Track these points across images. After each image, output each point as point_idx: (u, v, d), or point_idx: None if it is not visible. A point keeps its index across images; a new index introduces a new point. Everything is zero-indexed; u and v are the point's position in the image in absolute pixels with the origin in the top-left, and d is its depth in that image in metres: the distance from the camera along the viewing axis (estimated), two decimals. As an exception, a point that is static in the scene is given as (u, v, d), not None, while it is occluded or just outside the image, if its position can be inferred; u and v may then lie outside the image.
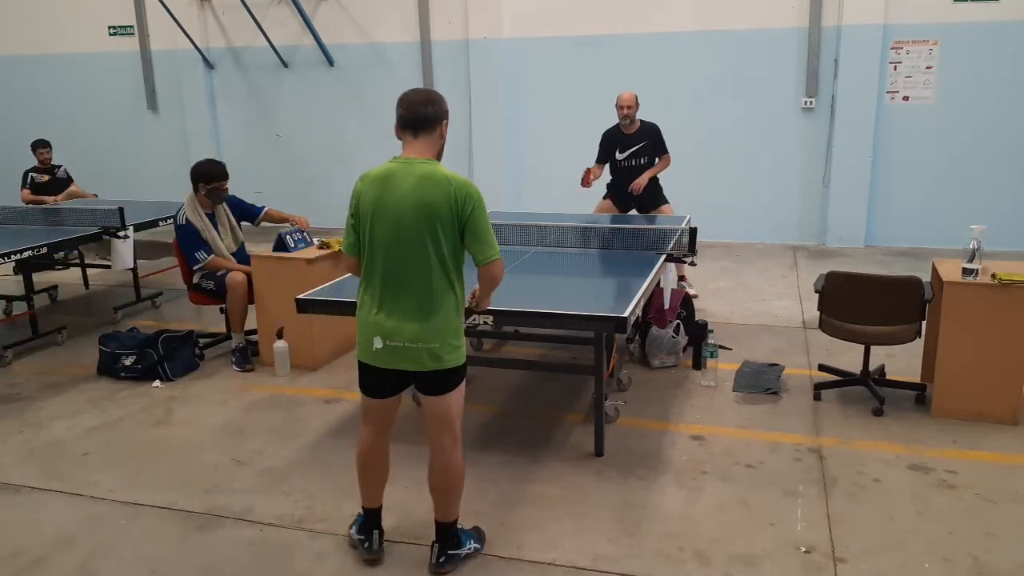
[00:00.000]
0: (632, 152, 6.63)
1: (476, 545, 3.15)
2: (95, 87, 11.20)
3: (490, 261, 2.81)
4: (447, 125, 2.89)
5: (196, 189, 5.34)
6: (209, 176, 5.31)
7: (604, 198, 6.88)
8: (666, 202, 6.71)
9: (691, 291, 6.70)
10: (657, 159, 6.68)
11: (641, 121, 6.63)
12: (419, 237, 2.73)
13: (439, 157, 2.88)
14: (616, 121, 6.66)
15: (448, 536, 3.06)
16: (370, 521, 3.13)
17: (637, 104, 6.56)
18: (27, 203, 8.26)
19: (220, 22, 10.50)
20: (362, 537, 3.12)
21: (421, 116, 2.80)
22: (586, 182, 6.67)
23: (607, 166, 6.80)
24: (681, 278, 6.79)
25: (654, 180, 6.67)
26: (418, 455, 3.97)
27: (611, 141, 6.72)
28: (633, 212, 6.78)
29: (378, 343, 2.81)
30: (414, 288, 2.77)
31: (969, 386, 4.19)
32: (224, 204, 5.49)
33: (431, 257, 2.75)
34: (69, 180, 8.64)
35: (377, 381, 2.93)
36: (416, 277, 2.76)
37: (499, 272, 2.88)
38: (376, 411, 3.01)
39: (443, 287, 2.79)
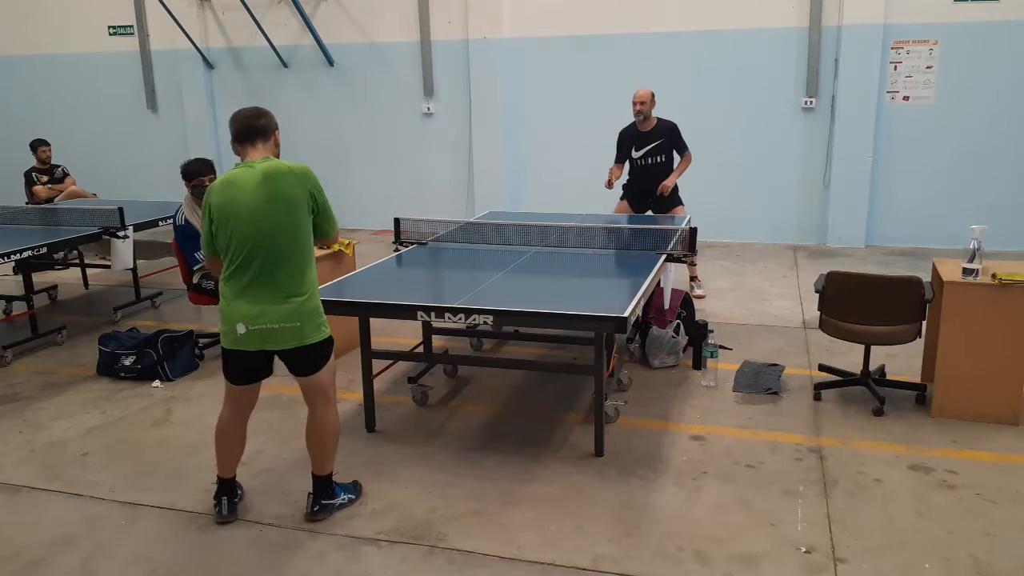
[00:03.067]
0: (648, 150, 6.57)
1: (351, 495, 3.50)
2: (95, 87, 11.20)
3: (333, 232, 3.31)
4: (279, 135, 3.26)
5: (188, 188, 5.36)
6: (189, 174, 5.30)
7: (621, 199, 6.84)
8: (681, 203, 6.67)
9: (699, 292, 6.71)
10: (678, 157, 6.62)
11: (658, 119, 6.56)
12: (277, 226, 3.03)
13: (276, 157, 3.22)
14: (631, 119, 6.61)
15: (322, 487, 3.39)
16: (222, 488, 3.42)
17: (653, 101, 6.48)
18: (45, 199, 8.28)
19: (220, 22, 10.50)
20: (215, 502, 3.41)
21: (256, 127, 3.14)
22: (609, 183, 6.63)
23: (624, 166, 6.77)
24: (693, 278, 6.79)
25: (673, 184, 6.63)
26: (418, 455, 3.99)
27: (627, 139, 6.67)
28: (648, 214, 6.75)
29: (241, 328, 3.08)
30: (274, 274, 3.05)
31: (969, 386, 4.19)
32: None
33: (290, 243, 3.06)
34: (65, 177, 8.66)
35: (239, 367, 3.23)
36: (276, 264, 3.05)
37: (337, 237, 3.44)
38: (237, 395, 3.31)
39: (302, 270, 3.11)
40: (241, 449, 3.43)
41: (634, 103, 6.46)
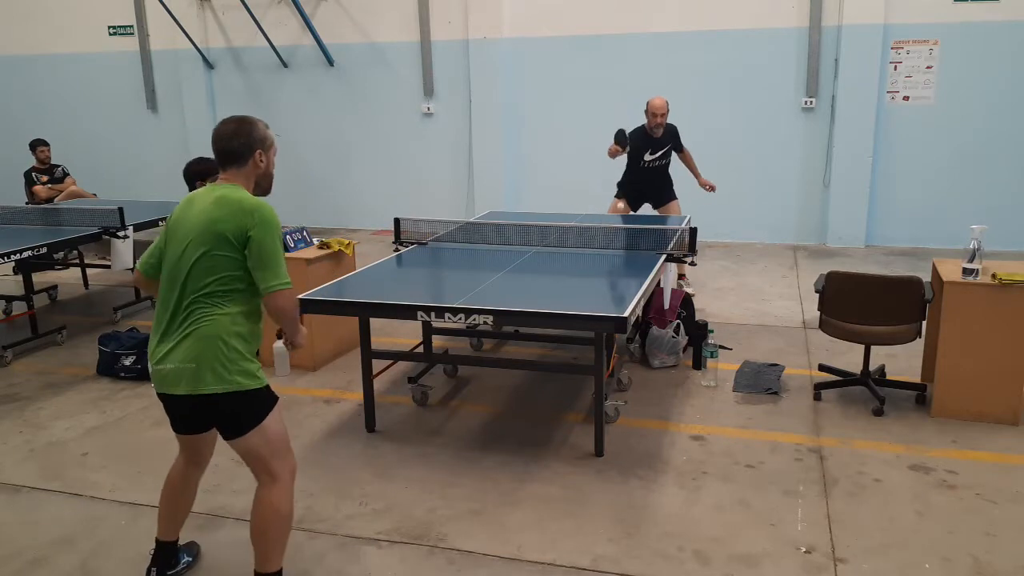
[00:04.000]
0: (659, 155, 6.78)
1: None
2: (95, 87, 11.20)
3: (272, 290, 2.59)
4: (264, 154, 2.77)
5: (191, 188, 5.35)
6: (203, 173, 5.31)
7: (617, 197, 6.92)
8: (675, 198, 6.86)
9: (688, 290, 6.72)
10: (680, 155, 6.87)
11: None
12: (196, 254, 2.58)
13: (260, 187, 2.81)
14: (632, 119, 6.69)
15: None
16: (158, 554, 2.95)
17: (668, 110, 6.65)
18: (45, 199, 8.28)
19: (220, 22, 10.50)
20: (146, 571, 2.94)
21: (229, 151, 2.73)
22: (612, 153, 6.67)
23: (625, 165, 6.91)
24: (681, 276, 6.81)
25: (668, 176, 6.85)
26: (418, 455, 3.99)
27: (641, 142, 6.75)
28: (645, 208, 6.96)
29: (150, 367, 2.67)
30: (180, 306, 2.60)
31: (969, 386, 4.19)
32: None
33: (204, 275, 2.58)
34: (65, 177, 8.66)
35: (171, 413, 2.77)
36: (185, 295, 2.60)
37: (286, 304, 2.63)
38: (183, 443, 2.89)
39: (211, 306, 2.58)
40: (186, 509, 2.97)
41: (656, 115, 6.55)
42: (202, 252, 2.58)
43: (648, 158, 6.74)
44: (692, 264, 4.95)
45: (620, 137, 6.48)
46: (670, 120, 6.70)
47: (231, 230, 2.57)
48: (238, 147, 2.73)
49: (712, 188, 6.90)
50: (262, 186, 2.83)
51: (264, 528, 2.72)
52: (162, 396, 2.69)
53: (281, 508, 2.71)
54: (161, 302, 2.68)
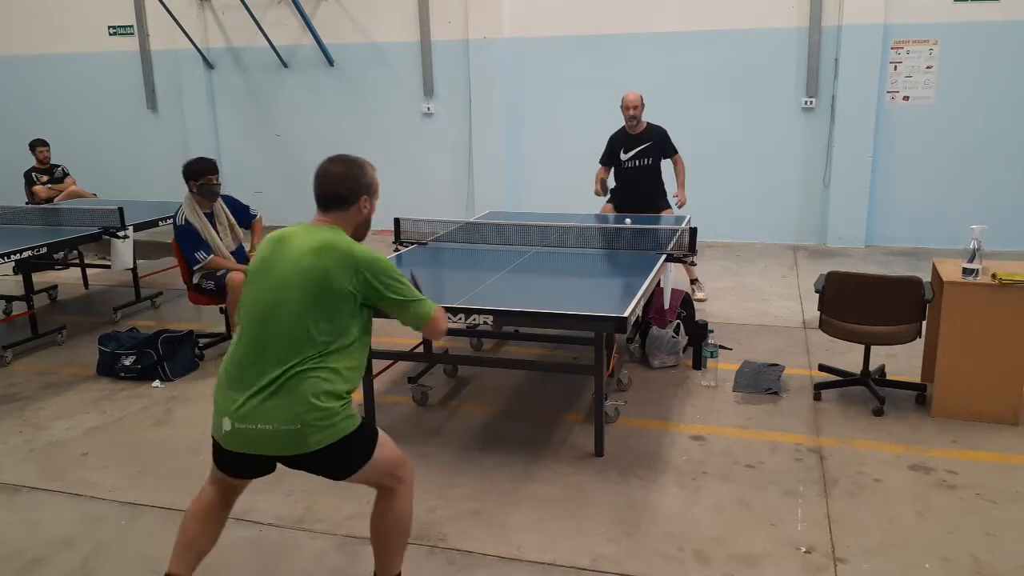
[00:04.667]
0: (636, 153, 6.58)
1: None
2: (95, 87, 11.20)
3: (425, 321, 2.57)
4: (369, 201, 2.61)
5: (190, 188, 5.37)
6: (197, 173, 5.33)
7: (608, 202, 6.83)
8: (668, 207, 6.69)
9: (700, 295, 6.68)
10: (671, 161, 6.63)
11: (648, 123, 6.59)
12: (298, 307, 2.39)
13: (360, 233, 2.65)
14: (621, 124, 6.63)
15: None
16: None
17: (643, 104, 6.52)
18: (45, 199, 8.29)
19: (220, 22, 10.49)
20: None
21: (335, 195, 2.58)
22: (600, 190, 6.66)
23: (612, 170, 6.77)
24: (693, 281, 6.78)
25: (659, 183, 6.64)
26: (418, 455, 3.99)
27: (615, 143, 6.69)
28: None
29: (227, 425, 2.41)
30: (276, 363, 2.38)
31: (969, 386, 4.19)
32: (222, 203, 5.50)
33: (306, 331, 2.39)
34: (65, 177, 8.67)
35: (232, 461, 2.53)
36: (282, 350, 2.38)
37: (442, 325, 2.65)
38: (223, 480, 2.65)
39: (313, 362, 2.39)
40: (208, 546, 2.69)
41: (627, 108, 6.46)
42: (303, 303, 2.39)
43: (623, 157, 6.61)
44: (692, 264, 4.95)
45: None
46: (654, 119, 6.61)
47: (338, 281, 2.40)
48: (345, 192, 2.56)
49: (681, 204, 6.60)
50: (358, 233, 2.63)
51: (388, 534, 2.69)
52: (234, 452, 2.46)
53: (404, 513, 2.68)
54: (245, 347, 2.44)
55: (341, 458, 2.47)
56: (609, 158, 6.73)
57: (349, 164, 2.61)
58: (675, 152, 6.64)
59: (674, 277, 5.18)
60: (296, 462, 2.46)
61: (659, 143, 6.56)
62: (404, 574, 3.01)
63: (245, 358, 2.43)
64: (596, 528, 3.30)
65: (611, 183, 6.80)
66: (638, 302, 3.81)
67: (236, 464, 2.54)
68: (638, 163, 6.60)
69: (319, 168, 2.61)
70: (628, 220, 5.62)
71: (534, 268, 4.65)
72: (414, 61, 9.88)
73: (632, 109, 6.46)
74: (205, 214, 5.38)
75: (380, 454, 2.54)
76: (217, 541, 2.70)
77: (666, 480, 3.69)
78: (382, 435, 2.59)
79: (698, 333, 5.10)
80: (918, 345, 4.58)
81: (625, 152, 6.63)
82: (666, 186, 6.70)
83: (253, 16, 9.80)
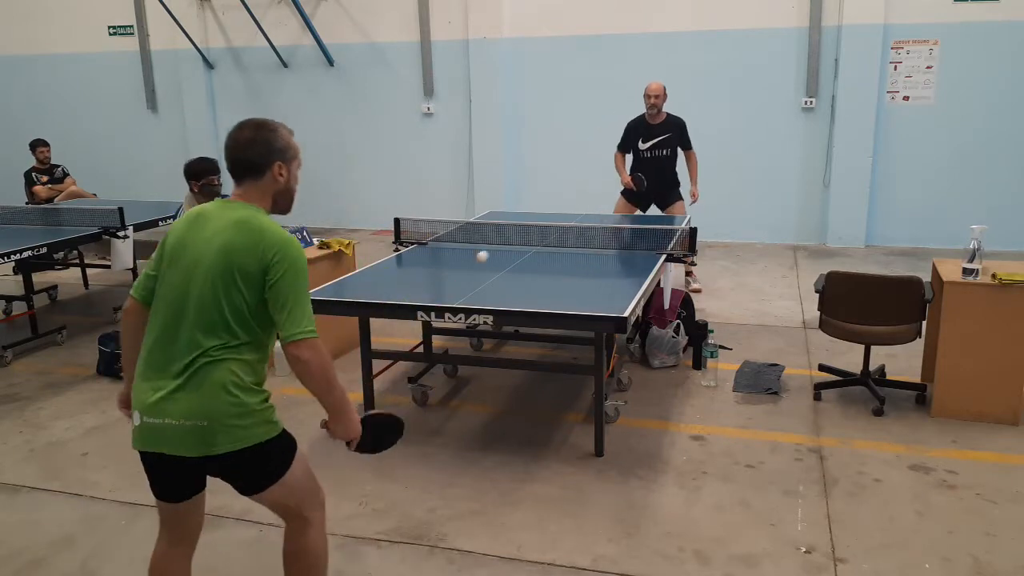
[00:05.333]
0: (655, 143, 6.64)
1: None
2: (95, 87, 11.20)
3: (294, 339, 2.17)
4: (285, 167, 2.34)
5: (191, 187, 5.38)
6: (199, 172, 5.35)
7: (622, 194, 6.89)
8: (680, 199, 6.75)
9: (696, 285, 6.74)
10: (684, 154, 6.74)
11: (667, 113, 6.65)
12: (211, 290, 2.19)
13: (277, 205, 2.38)
14: (641, 112, 6.70)
15: None
16: None
17: (665, 95, 6.59)
18: (45, 199, 8.29)
19: (220, 22, 10.50)
20: None
21: (245, 161, 2.31)
22: (628, 182, 6.70)
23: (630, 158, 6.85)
24: (688, 273, 6.82)
25: (675, 173, 6.73)
26: (418, 455, 3.98)
27: (634, 131, 6.74)
28: (652, 210, 6.87)
29: (136, 419, 2.22)
30: (186, 350, 2.18)
31: (969, 386, 4.19)
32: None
33: (218, 315, 2.19)
34: (65, 177, 8.67)
35: (157, 474, 2.29)
36: (192, 337, 2.18)
37: (311, 357, 2.19)
38: (168, 516, 2.37)
39: (224, 352, 2.19)
40: None
41: (648, 96, 6.54)
42: (215, 285, 2.19)
43: (641, 146, 6.68)
44: (692, 264, 4.95)
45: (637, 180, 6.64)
46: (680, 115, 6.67)
47: (251, 264, 2.19)
48: (255, 158, 2.31)
49: (694, 199, 6.74)
50: (279, 204, 2.39)
51: (304, 573, 2.45)
52: (147, 455, 2.24)
53: (319, 550, 2.45)
54: (156, 335, 2.24)
55: (252, 468, 2.25)
56: (626, 145, 6.79)
57: (258, 127, 2.35)
58: (690, 147, 6.72)
59: (674, 276, 5.18)
60: (208, 466, 2.24)
61: (678, 135, 6.64)
62: (404, 573, 3.01)
63: (156, 346, 2.24)
64: (596, 528, 3.30)
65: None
66: (638, 302, 3.81)
67: (160, 476, 2.29)
68: (656, 153, 6.65)
69: (227, 136, 2.36)
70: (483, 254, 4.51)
71: (534, 268, 4.65)
72: (414, 61, 9.88)
73: (653, 98, 6.52)
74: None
75: (296, 472, 2.33)
76: None
77: (666, 480, 3.69)
78: (300, 453, 2.37)
79: (698, 333, 5.10)
80: (918, 345, 4.58)
81: (644, 141, 6.67)
82: (679, 179, 6.80)
83: (253, 16, 9.81)
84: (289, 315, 2.19)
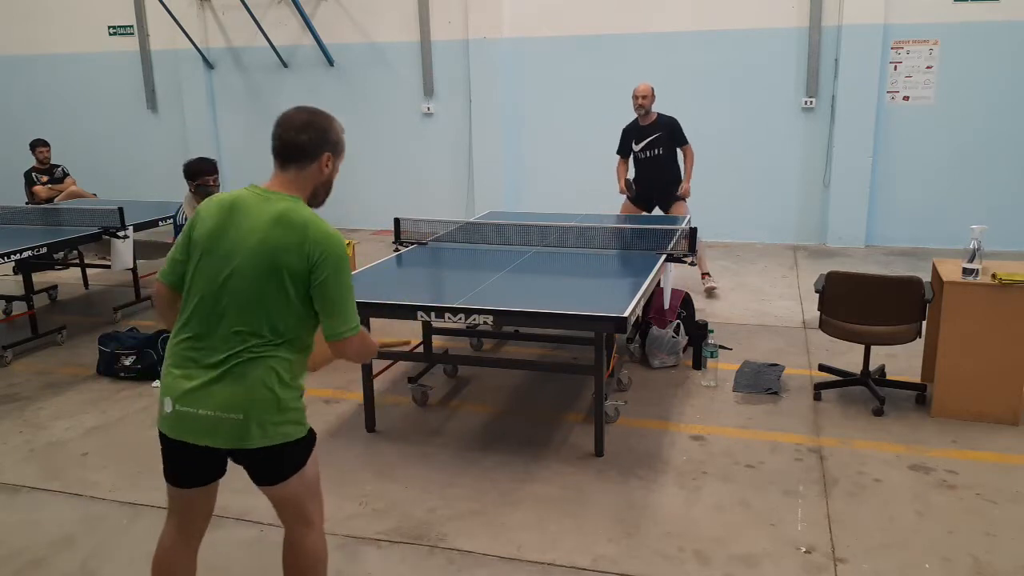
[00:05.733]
0: (647, 143, 6.67)
1: None
2: (95, 87, 11.20)
3: (340, 339, 2.22)
4: (333, 160, 2.30)
5: (190, 187, 5.39)
6: (195, 172, 5.36)
7: (627, 198, 6.91)
8: (682, 199, 6.75)
9: (711, 284, 6.78)
10: (680, 151, 6.72)
11: (658, 114, 6.68)
12: (253, 287, 2.16)
13: (316, 197, 2.34)
14: (632, 116, 6.71)
15: None
16: None
17: (653, 96, 6.61)
18: (45, 199, 8.29)
19: (220, 22, 10.50)
20: None
21: (293, 144, 2.25)
22: (625, 187, 6.76)
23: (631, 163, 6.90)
24: (704, 274, 6.83)
25: (673, 173, 6.73)
26: (418, 455, 3.99)
27: (628, 134, 6.80)
28: (656, 212, 6.88)
29: (168, 406, 2.21)
30: (227, 345, 2.17)
31: (969, 386, 4.19)
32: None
33: (262, 312, 2.17)
34: (65, 177, 8.67)
35: (177, 459, 2.29)
36: (232, 331, 2.17)
37: (351, 353, 2.28)
38: (180, 503, 2.37)
39: (265, 349, 2.18)
40: None
41: (635, 97, 6.59)
42: (259, 282, 2.16)
43: (635, 148, 6.72)
44: (692, 264, 4.95)
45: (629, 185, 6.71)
46: (680, 115, 6.69)
47: (296, 263, 2.16)
48: (307, 143, 2.25)
49: (684, 195, 6.68)
50: (319, 196, 2.35)
51: (300, 573, 2.44)
52: (173, 440, 2.24)
53: (320, 553, 2.45)
54: (192, 325, 2.21)
55: (276, 462, 2.27)
56: (623, 149, 6.84)
57: (314, 113, 2.29)
58: (685, 142, 6.71)
59: (674, 276, 5.18)
60: (234, 455, 2.27)
61: (669, 133, 6.64)
62: (404, 573, 3.01)
63: (193, 337, 2.20)
64: (596, 528, 3.30)
65: (631, 175, 6.90)
66: (638, 302, 3.81)
67: (180, 462, 2.29)
68: (649, 153, 6.69)
69: (281, 116, 2.29)
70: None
71: (534, 268, 4.65)
72: (414, 61, 9.88)
73: (640, 99, 6.57)
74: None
75: (310, 471, 2.35)
76: None
77: (666, 480, 3.69)
78: (315, 454, 2.38)
79: (698, 333, 5.10)
80: (918, 345, 4.58)
81: (636, 143, 6.72)
82: (682, 176, 6.81)
83: (253, 16, 9.81)
84: (335, 314, 2.21)
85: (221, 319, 2.18)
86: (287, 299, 2.18)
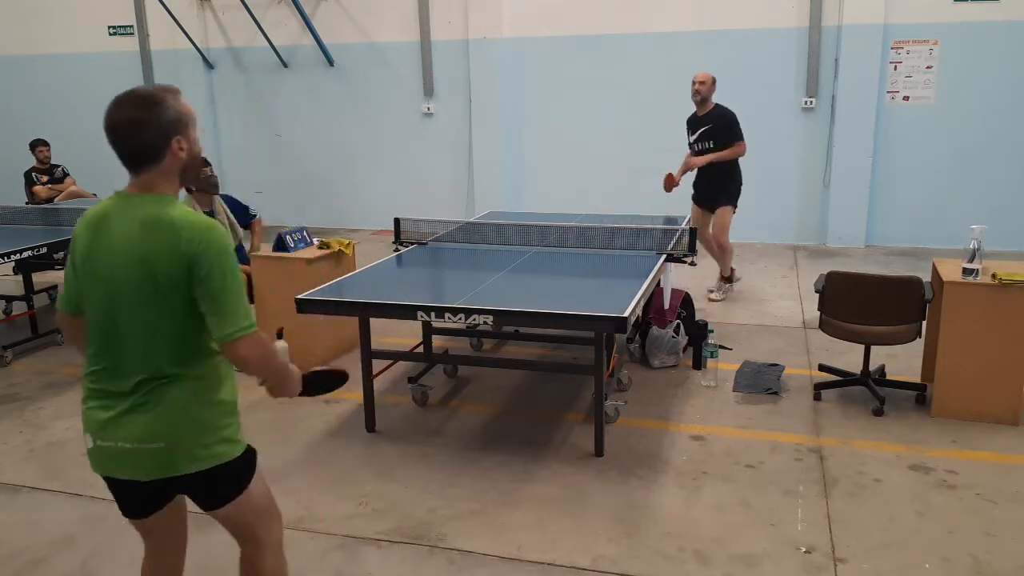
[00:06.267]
0: (699, 135, 6.38)
1: None
2: (95, 87, 11.16)
3: (231, 339, 1.96)
4: (185, 138, 2.03)
5: (187, 188, 5.37)
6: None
7: (692, 198, 6.70)
8: (726, 203, 6.45)
9: (736, 277, 6.71)
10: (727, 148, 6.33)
11: (716, 104, 6.36)
12: (139, 303, 1.97)
13: (187, 179, 2.16)
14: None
15: None
16: None
17: (712, 84, 6.32)
18: (45, 199, 8.28)
19: (220, 22, 10.50)
20: None
21: (132, 148, 2.02)
22: (668, 187, 6.51)
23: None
24: (727, 279, 6.79)
25: (720, 176, 6.40)
26: (418, 455, 3.98)
27: (688, 124, 6.52)
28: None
29: (88, 441, 2.06)
30: (135, 370, 2.00)
31: (969, 386, 4.19)
32: (222, 202, 5.51)
33: (158, 330, 1.98)
34: (65, 177, 8.67)
35: (116, 492, 2.15)
36: (137, 356, 1.99)
37: (250, 354, 1.99)
38: (143, 530, 2.26)
39: (174, 368, 2.01)
40: None
41: (692, 83, 6.32)
42: (144, 302, 1.96)
43: (690, 140, 6.48)
44: (692, 264, 4.95)
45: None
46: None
47: (174, 268, 1.94)
48: (147, 142, 2.00)
49: (691, 164, 6.37)
50: (189, 176, 2.14)
51: None
52: (107, 477, 2.10)
53: (278, 573, 2.32)
54: (97, 353, 2.04)
55: (211, 486, 2.11)
56: (689, 140, 6.54)
57: (139, 105, 1.99)
58: (736, 139, 6.30)
59: (674, 277, 5.18)
60: (164, 489, 2.11)
61: (720, 127, 6.28)
62: (404, 573, 3.01)
63: (99, 365, 2.04)
64: (596, 528, 3.30)
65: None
66: (638, 302, 3.81)
67: (120, 496, 2.16)
68: (700, 146, 6.39)
69: (107, 120, 2.00)
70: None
71: (534, 268, 4.65)
72: (414, 61, 9.88)
73: (697, 84, 6.29)
74: (205, 213, 5.37)
75: (254, 491, 2.20)
76: None
77: (666, 480, 3.69)
78: (259, 472, 2.24)
79: (698, 333, 5.10)
80: (918, 345, 4.58)
81: (691, 133, 6.46)
82: (738, 180, 6.49)
83: (253, 16, 9.81)
84: (222, 312, 1.96)
85: (122, 343, 2.00)
86: (176, 310, 1.98)
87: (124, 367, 2.01)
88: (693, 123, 6.47)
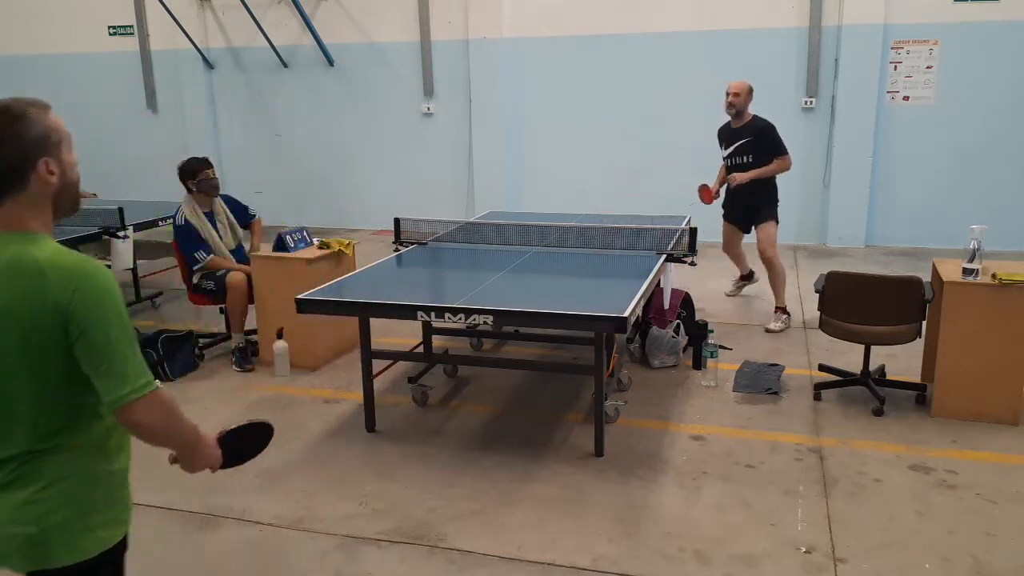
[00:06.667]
0: (735, 149, 5.95)
1: None
2: (95, 87, 11.20)
3: (123, 403, 1.64)
4: (53, 160, 1.71)
5: (188, 189, 5.38)
6: (193, 171, 5.35)
7: (723, 217, 6.35)
8: (771, 219, 5.99)
9: (776, 325, 6.03)
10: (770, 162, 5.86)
11: (754, 116, 5.93)
12: (7, 364, 1.64)
13: (61, 209, 1.82)
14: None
15: None
16: None
17: (749, 94, 5.85)
18: None
19: (220, 22, 10.50)
20: None
21: None
22: (706, 198, 6.15)
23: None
24: (744, 278, 6.79)
25: (762, 191, 5.96)
26: (418, 455, 3.98)
27: (720, 137, 6.11)
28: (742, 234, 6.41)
29: None
30: (7, 442, 1.67)
31: (969, 386, 4.19)
32: (221, 201, 5.51)
33: (32, 394, 1.65)
34: None
35: None
36: (7, 428, 1.67)
37: (149, 420, 1.67)
38: None
39: (53, 438, 1.68)
40: None
41: (726, 94, 5.87)
42: (6, 357, 1.63)
43: (724, 153, 6.05)
44: (692, 264, 4.95)
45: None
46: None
47: (44, 320, 1.61)
48: (10, 164, 1.65)
49: (732, 182, 5.94)
50: (63, 207, 1.81)
51: None
52: None
53: None
54: None
55: None
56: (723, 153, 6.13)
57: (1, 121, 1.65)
58: (779, 153, 5.84)
59: (674, 277, 5.18)
60: None
61: (758, 139, 5.83)
62: (404, 573, 3.02)
63: None
64: (596, 528, 3.30)
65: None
66: (638, 302, 3.81)
67: None
68: (736, 160, 5.97)
69: None
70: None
71: (534, 268, 4.65)
72: (414, 61, 9.88)
73: (731, 95, 5.83)
74: (205, 213, 5.39)
75: None
76: None
77: (666, 480, 3.69)
78: (124, 560, 1.90)
79: (698, 333, 5.10)
80: (918, 345, 4.58)
81: (725, 147, 6.04)
82: (777, 192, 6.06)
83: (253, 16, 9.81)
84: (109, 372, 1.63)
85: None
86: (49, 371, 1.65)
87: None
88: (727, 135, 6.01)
